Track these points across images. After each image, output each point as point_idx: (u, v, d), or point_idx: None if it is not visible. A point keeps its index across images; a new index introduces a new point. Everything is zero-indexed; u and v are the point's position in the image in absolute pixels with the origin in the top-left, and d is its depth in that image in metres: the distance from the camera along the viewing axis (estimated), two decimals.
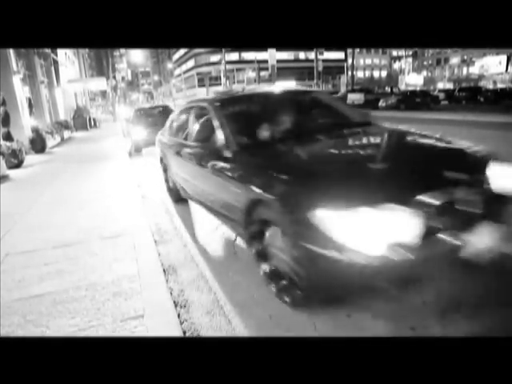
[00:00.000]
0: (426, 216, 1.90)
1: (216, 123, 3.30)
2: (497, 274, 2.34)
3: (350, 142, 3.06)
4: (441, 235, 1.94)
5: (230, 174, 2.88)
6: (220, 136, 3.16)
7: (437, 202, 1.98)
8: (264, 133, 3.21)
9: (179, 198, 4.82)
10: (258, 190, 2.47)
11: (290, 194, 2.19)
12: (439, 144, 2.99)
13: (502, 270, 2.37)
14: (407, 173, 2.23)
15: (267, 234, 2.57)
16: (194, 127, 3.93)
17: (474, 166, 2.45)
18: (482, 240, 2.01)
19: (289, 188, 2.26)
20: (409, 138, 3.21)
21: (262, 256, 2.67)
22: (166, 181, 5.30)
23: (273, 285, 2.53)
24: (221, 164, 3.03)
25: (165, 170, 5.24)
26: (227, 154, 2.98)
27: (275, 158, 2.72)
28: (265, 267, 2.64)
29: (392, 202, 1.89)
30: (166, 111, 12.48)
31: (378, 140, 3.17)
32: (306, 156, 2.80)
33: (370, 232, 1.87)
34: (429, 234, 1.90)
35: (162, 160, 5.26)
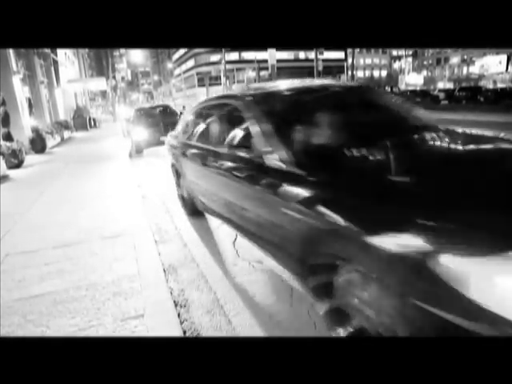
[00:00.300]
0: None
1: (255, 127, 2.56)
2: None
3: (458, 153, 2.32)
4: None
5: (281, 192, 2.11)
6: (264, 143, 2.41)
7: None
8: (326, 139, 2.46)
9: (195, 210, 4.25)
10: (338, 219, 1.69)
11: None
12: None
13: None
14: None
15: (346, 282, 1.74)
16: (218, 129, 3.36)
17: None
18: None
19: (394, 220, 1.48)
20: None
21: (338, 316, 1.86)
22: (178, 186, 4.76)
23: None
24: (268, 179, 2.29)
25: (177, 177, 4.64)
26: (278, 167, 2.24)
27: (356, 175, 1.94)
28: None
29: None
30: (166, 111, 12.49)
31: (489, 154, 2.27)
32: (405, 173, 1.89)
33: None
34: None
35: (173, 165, 4.68)
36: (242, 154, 2.65)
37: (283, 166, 2.19)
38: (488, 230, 1.27)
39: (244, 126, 2.74)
